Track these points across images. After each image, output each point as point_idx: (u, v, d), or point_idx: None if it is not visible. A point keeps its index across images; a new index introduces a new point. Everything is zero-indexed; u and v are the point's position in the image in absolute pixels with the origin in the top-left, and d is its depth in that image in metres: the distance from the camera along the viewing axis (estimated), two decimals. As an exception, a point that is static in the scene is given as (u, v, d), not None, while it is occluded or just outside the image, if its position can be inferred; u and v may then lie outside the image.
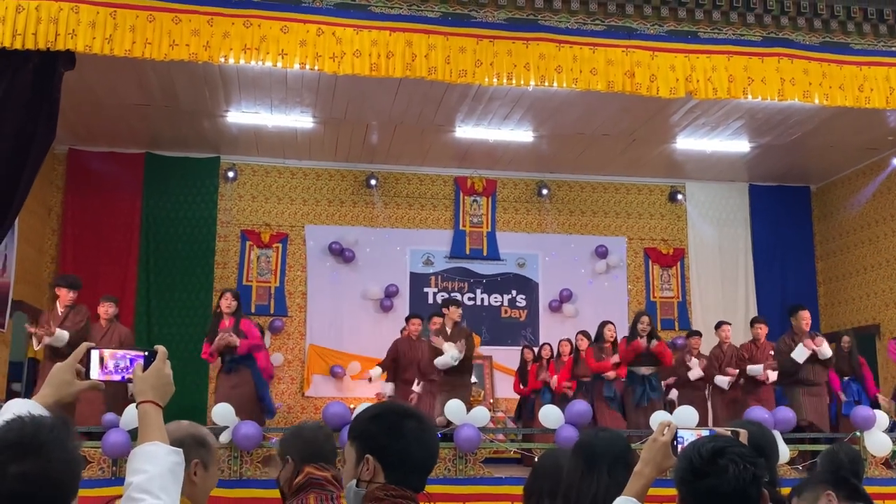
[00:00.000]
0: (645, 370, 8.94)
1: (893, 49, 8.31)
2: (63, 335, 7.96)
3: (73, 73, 7.58)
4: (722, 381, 9.63)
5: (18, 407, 1.78)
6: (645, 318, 9.11)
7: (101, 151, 11.93)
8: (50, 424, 1.58)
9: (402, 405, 2.21)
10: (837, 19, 8.27)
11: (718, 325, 10.18)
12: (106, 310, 8.71)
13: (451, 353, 8.73)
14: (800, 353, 8.93)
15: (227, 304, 8.71)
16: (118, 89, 9.85)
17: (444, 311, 9.24)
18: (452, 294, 12.84)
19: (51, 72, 7.19)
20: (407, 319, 10.54)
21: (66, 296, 8.37)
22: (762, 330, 9.65)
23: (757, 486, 1.94)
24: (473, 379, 9.29)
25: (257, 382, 8.73)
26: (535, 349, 11.51)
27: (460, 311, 9.32)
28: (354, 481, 2.02)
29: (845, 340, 10.33)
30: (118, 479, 6.80)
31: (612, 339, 9.39)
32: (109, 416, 7.26)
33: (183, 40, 6.97)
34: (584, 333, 10.05)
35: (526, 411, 11.24)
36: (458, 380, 8.98)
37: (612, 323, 9.60)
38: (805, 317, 9.22)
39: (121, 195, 11.95)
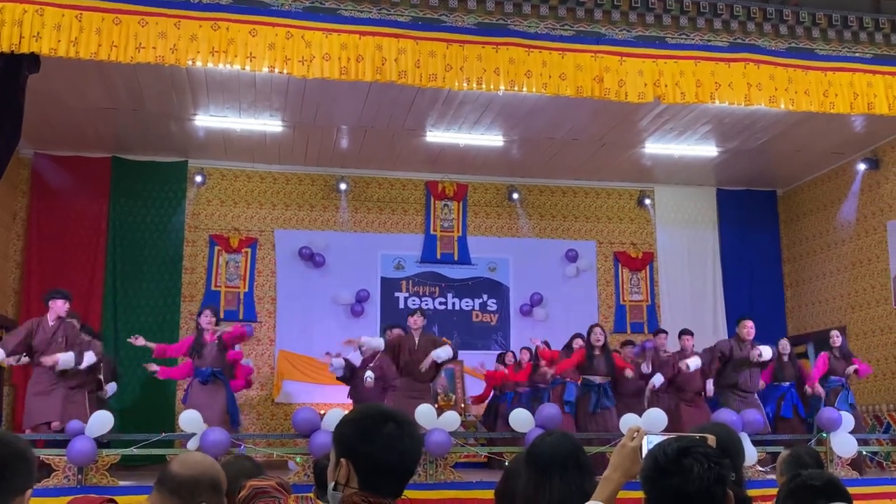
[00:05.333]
0: (599, 379, 9.12)
1: (857, 55, 8.44)
2: (69, 358, 7.98)
3: (37, 77, 7.49)
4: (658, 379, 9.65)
5: None
6: (597, 330, 9.31)
7: (66, 155, 11.75)
8: None
9: (382, 408, 2.15)
10: (803, 25, 8.40)
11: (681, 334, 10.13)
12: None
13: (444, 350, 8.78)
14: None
15: (208, 320, 8.73)
16: (84, 93, 9.73)
17: (410, 320, 9.28)
18: (423, 298, 12.86)
19: (15, 75, 7.10)
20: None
21: (62, 307, 8.19)
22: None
23: (722, 485, 1.95)
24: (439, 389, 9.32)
25: (228, 395, 8.75)
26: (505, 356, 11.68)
27: (424, 319, 9.34)
28: (333, 483, 2.01)
29: (782, 345, 9.96)
30: (84, 488, 6.71)
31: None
32: (74, 424, 7.15)
33: (149, 43, 6.91)
34: (546, 343, 10.18)
35: (491, 415, 11.34)
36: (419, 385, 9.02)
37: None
38: (747, 325, 9.40)
39: (87, 200, 11.79)
